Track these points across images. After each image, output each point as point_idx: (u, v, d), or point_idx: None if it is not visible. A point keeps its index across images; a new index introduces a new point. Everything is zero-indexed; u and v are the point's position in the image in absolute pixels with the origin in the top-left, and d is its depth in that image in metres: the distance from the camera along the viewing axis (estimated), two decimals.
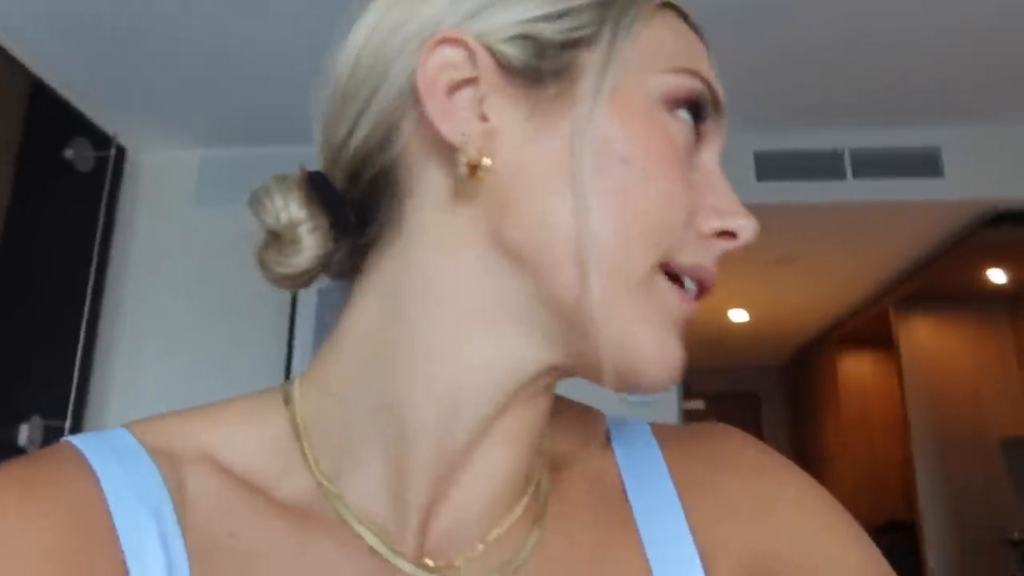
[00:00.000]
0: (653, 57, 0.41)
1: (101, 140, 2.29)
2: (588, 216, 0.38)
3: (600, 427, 0.50)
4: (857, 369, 4.58)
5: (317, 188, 0.44)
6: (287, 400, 0.44)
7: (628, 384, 0.40)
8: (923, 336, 3.76)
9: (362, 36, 0.43)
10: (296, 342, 2.35)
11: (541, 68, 0.40)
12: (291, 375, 0.46)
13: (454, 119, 0.39)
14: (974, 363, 3.69)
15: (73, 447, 0.38)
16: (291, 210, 0.43)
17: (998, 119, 2.42)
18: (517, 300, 0.40)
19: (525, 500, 0.44)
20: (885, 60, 2.14)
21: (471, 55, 0.40)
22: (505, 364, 0.40)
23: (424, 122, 0.40)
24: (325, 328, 2.36)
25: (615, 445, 0.49)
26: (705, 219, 0.41)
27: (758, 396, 5.83)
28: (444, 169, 0.40)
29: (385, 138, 0.41)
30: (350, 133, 0.43)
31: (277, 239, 0.43)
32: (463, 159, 0.38)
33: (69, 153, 2.16)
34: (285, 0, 1.87)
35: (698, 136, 0.43)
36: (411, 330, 0.40)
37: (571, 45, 0.40)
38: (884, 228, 2.87)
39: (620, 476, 0.47)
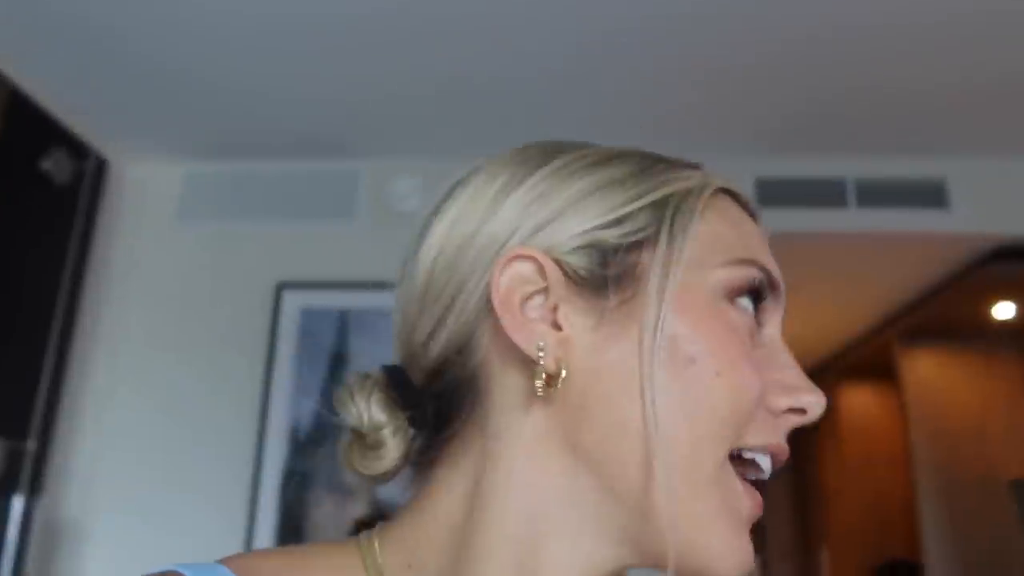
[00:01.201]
0: (711, 251, 0.43)
1: (80, 151, 2.23)
2: (659, 418, 0.40)
3: None
4: (859, 402, 4.48)
5: (396, 386, 0.47)
6: (363, 556, 0.45)
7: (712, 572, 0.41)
8: (928, 370, 3.67)
9: (435, 249, 0.46)
10: (276, 362, 2.27)
11: (606, 275, 0.42)
12: (364, 533, 0.47)
13: (529, 331, 0.42)
14: (981, 400, 3.59)
15: (179, 575, 0.40)
16: (373, 413, 0.47)
17: (1006, 151, 2.35)
18: (592, 500, 0.42)
19: None
20: (891, 88, 2.07)
21: (540, 269, 0.43)
22: (578, 564, 0.42)
23: (500, 332, 0.42)
24: (306, 348, 2.28)
25: None
26: (773, 397, 0.43)
27: None
28: (522, 375, 0.43)
29: (464, 345, 0.44)
30: (429, 339, 0.45)
31: (361, 439, 0.47)
32: (541, 370, 0.41)
33: (46, 164, 2.10)
34: (273, 16, 1.81)
35: (757, 314, 0.45)
36: (488, 524, 0.42)
37: (632, 248, 0.43)
38: (888, 259, 2.79)
39: None
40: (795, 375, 0.44)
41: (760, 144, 2.35)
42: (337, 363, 2.28)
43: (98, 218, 2.34)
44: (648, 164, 0.47)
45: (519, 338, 0.41)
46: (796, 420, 0.43)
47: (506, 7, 1.79)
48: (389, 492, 2.11)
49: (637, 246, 0.43)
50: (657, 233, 0.43)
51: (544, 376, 0.41)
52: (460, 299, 0.44)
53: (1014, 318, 3.31)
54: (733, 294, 0.43)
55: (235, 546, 2.10)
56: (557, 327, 0.42)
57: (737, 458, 0.43)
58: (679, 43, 1.90)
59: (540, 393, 0.41)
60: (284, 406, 2.24)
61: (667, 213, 0.43)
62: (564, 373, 0.41)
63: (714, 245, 0.44)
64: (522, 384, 0.43)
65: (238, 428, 2.23)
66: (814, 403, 0.43)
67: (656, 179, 0.45)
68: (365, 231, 2.41)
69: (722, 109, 2.18)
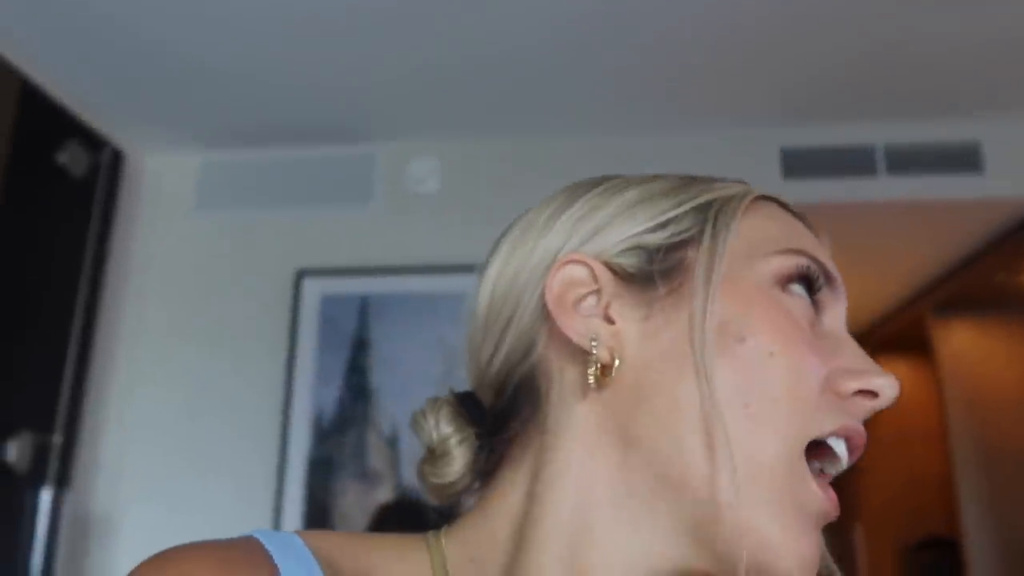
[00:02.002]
0: (757, 244, 0.45)
1: (95, 144, 2.22)
2: (715, 399, 0.40)
3: None
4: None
5: (464, 405, 0.51)
6: (430, 549, 0.47)
7: (771, 571, 0.40)
8: (963, 342, 3.58)
9: (495, 273, 0.49)
10: (298, 349, 2.26)
11: (653, 271, 0.44)
12: (432, 531, 0.48)
13: (583, 326, 0.44)
14: (1019, 370, 3.50)
15: (258, 541, 0.43)
16: (441, 427, 0.50)
17: None
18: (648, 491, 0.42)
19: None
20: (921, 47, 1.99)
21: (591, 272, 0.45)
22: (633, 558, 0.42)
23: (556, 333, 0.45)
24: (328, 334, 2.26)
25: None
26: (842, 381, 0.42)
27: None
28: (578, 370, 0.44)
29: (525, 353, 0.47)
30: (493, 355, 0.48)
31: (432, 454, 0.50)
32: (594, 360, 0.43)
33: (62, 158, 2.09)
34: (285, 2, 1.78)
35: (815, 306, 0.45)
36: (544, 516, 0.43)
37: (678, 246, 0.45)
38: (920, 228, 2.71)
39: None
40: (863, 360, 0.44)
41: (784, 113, 2.28)
42: (359, 349, 2.26)
43: (115, 210, 2.33)
44: (691, 179, 0.49)
45: (573, 333, 0.44)
46: (869, 405, 0.43)
47: None
48: (411, 479, 2.10)
49: (683, 244, 0.45)
50: (701, 232, 0.45)
51: (599, 366, 0.42)
52: (518, 312, 0.47)
53: None
54: (784, 281, 0.44)
55: None
56: (610, 321, 0.44)
57: (811, 447, 0.42)
58: (695, 8, 1.84)
59: (592, 383, 0.42)
60: (307, 393, 2.23)
61: (710, 214, 0.45)
62: (617, 362, 0.43)
63: (760, 239, 0.45)
64: (578, 379, 0.44)
65: (262, 416, 2.23)
66: (885, 385, 0.42)
67: (698, 188, 0.47)
68: (383, 215, 2.38)
69: (742, 77, 2.12)
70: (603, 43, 1.97)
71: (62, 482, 2.05)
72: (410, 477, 2.14)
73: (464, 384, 0.52)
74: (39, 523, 1.95)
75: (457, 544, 0.47)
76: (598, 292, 0.45)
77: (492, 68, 2.06)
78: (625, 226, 0.46)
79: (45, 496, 1.97)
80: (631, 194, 0.47)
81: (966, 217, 2.62)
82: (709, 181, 0.49)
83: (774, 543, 0.39)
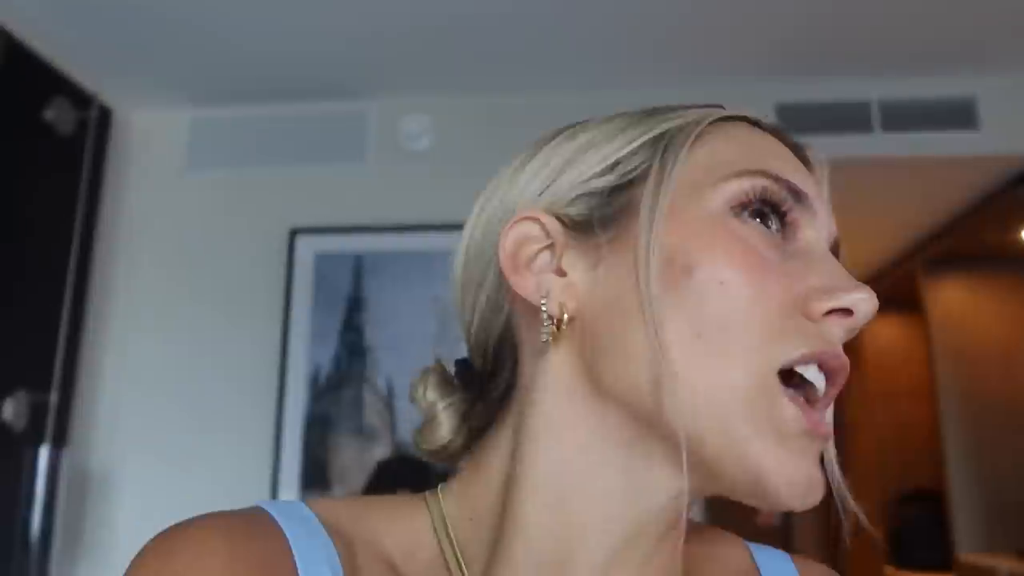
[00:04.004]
0: (711, 169, 0.43)
1: (83, 100, 2.18)
2: (660, 338, 0.39)
3: (744, 555, 0.52)
4: (883, 333, 4.44)
5: (458, 371, 0.52)
6: (430, 509, 0.47)
7: (764, 504, 0.40)
8: (953, 299, 3.61)
9: (467, 233, 0.49)
10: (293, 308, 2.26)
11: (599, 216, 0.44)
12: (430, 490, 0.49)
13: (535, 282, 0.44)
14: (1007, 327, 3.54)
15: (264, 510, 0.43)
16: (428, 395, 0.51)
17: None
18: (624, 432, 0.42)
19: None
20: (918, 5, 1.97)
21: (542, 225, 0.45)
22: (616, 498, 0.42)
23: (517, 292, 0.44)
24: (322, 292, 2.26)
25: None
26: (813, 302, 0.40)
27: None
28: (539, 327, 0.44)
29: (495, 312, 0.47)
30: (472, 316, 0.48)
31: (423, 421, 0.51)
32: (544, 316, 0.43)
33: (49, 114, 2.06)
34: None
35: (788, 228, 0.43)
36: (528, 468, 0.44)
37: (624, 188, 0.44)
38: (914, 184, 2.71)
39: None
40: (836, 276, 0.41)
41: (780, 68, 2.26)
42: (354, 307, 2.26)
43: (104, 168, 2.31)
44: (652, 111, 0.47)
45: (524, 291, 0.44)
46: (845, 323, 0.41)
47: None
48: (407, 436, 2.12)
49: (631, 184, 0.44)
50: (649, 168, 0.43)
51: (552, 320, 0.43)
52: (487, 273, 0.47)
53: None
54: (738, 207, 0.42)
55: (262, 491, 2.13)
56: (562, 274, 0.44)
57: (787, 376, 0.40)
58: None
59: (545, 338, 0.43)
60: (303, 351, 2.23)
61: (660, 146, 0.44)
62: (566, 316, 0.43)
63: (716, 164, 0.43)
64: (540, 337, 0.44)
65: (259, 374, 2.24)
66: (859, 300, 0.40)
67: (656, 120, 0.46)
68: (376, 173, 2.36)
69: (737, 31, 2.09)
70: (595, 4, 1.94)
71: (59, 440, 2.06)
72: (406, 434, 2.16)
73: (456, 340, 0.53)
74: (37, 481, 1.96)
75: (454, 503, 0.48)
76: (552, 246, 0.44)
77: (484, 24, 2.03)
78: (575, 172, 0.45)
79: (43, 454, 1.99)
80: (583, 138, 0.46)
81: (960, 173, 2.62)
82: (671, 110, 0.47)
83: (758, 467, 0.38)
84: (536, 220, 0.45)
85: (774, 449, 0.38)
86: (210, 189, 2.39)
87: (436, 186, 2.29)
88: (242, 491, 2.14)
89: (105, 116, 2.29)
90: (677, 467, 0.40)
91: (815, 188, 0.45)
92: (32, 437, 1.98)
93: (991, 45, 2.15)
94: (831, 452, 0.45)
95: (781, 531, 3.98)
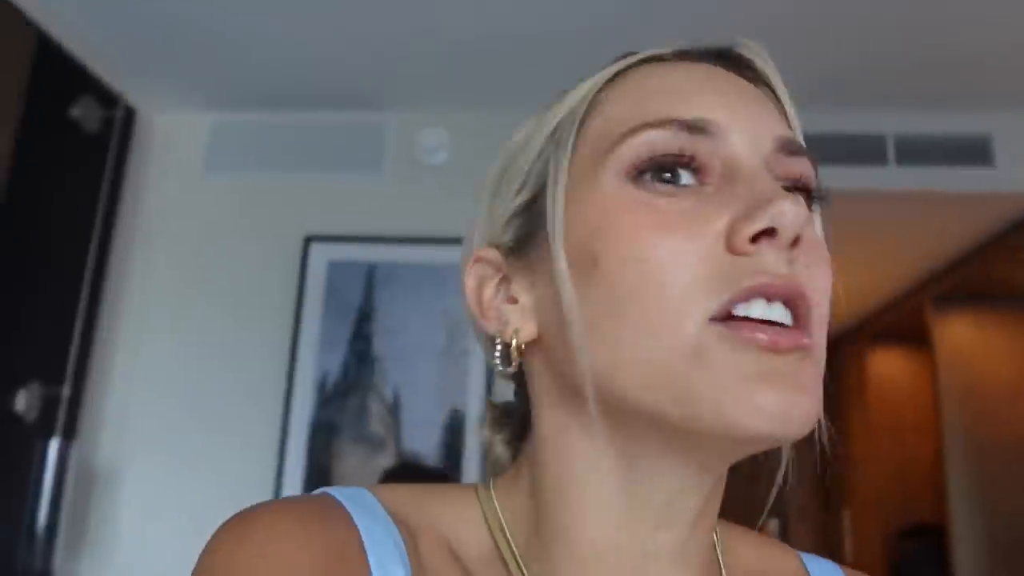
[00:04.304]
0: (601, 142, 0.42)
1: (109, 99, 2.22)
2: (596, 330, 0.39)
3: (797, 566, 0.52)
4: (889, 366, 4.42)
5: (505, 407, 0.54)
6: (480, 498, 0.48)
7: (748, 445, 0.39)
8: (961, 335, 3.60)
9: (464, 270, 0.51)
10: (304, 314, 2.28)
11: (524, 235, 0.45)
12: (480, 484, 0.51)
13: (495, 316, 0.46)
14: (1015, 365, 3.53)
15: (332, 496, 0.44)
16: (484, 432, 0.54)
17: None
18: (616, 431, 0.42)
19: None
20: (935, 38, 1.99)
21: (489, 261, 0.47)
22: (631, 495, 0.42)
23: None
24: (333, 300, 2.29)
25: None
26: (735, 235, 0.37)
27: None
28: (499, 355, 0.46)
29: (492, 346, 0.48)
30: (485, 351, 0.50)
31: (487, 450, 0.54)
32: (499, 346, 0.45)
33: (75, 112, 2.09)
34: None
35: (701, 163, 0.40)
36: (542, 474, 0.45)
37: (536, 199, 0.44)
38: (927, 219, 2.72)
39: None
40: (756, 193, 0.38)
41: (795, 98, 2.28)
42: (364, 316, 2.28)
43: (127, 166, 2.34)
44: (548, 105, 0.47)
45: (487, 327, 0.46)
46: (775, 245, 0.37)
47: None
48: (411, 445, 2.13)
49: (541, 191, 0.44)
50: (547, 169, 0.44)
51: (505, 347, 0.45)
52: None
53: None
54: (633, 171, 0.40)
55: (265, 495, 2.14)
56: (514, 301, 0.46)
57: (739, 322, 0.38)
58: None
59: (500, 367, 0.46)
60: (311, 357, 2.25)
61: (554, 142, 0.44)
62: (515, 341, 0.44)
63: (605, 134, 0.42)
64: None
65: (267, 378, 2.25)
66: (780, 213, 0.36)
67: (550, 114, 0.45)
68: (392, 184, 2.39)
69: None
70: (616, 23, 1.97)
71: (69, 434, 2.08)
72: (410, 442, 2.17)
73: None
74: (46, 473, 1.98)
75: (501, 499, 0.48)
76: (504, 277, 0.46)
77: (505, 42, 2.06)
78: (499, 201, 0.48)
79: (53, 446, 2.00)
80: (501, 161, 0.49)
81: (973, 210, 2.63)
82: (565, 93, 0.46)
83: (720, 413, 0.36)
84: (481, 260, 0.47)
85: (732, 387, 0.36)
86: (228, 193, 2.42)
87: (451, 200, 2.31)
88: (246, 494, 2.15)
89: (130, 116, 2.33)
90: (678, 456, 0.40)
91: (736, 98, 0.42)
92: (43, 429, 2.00)
93: (1008, 83, 2.17)
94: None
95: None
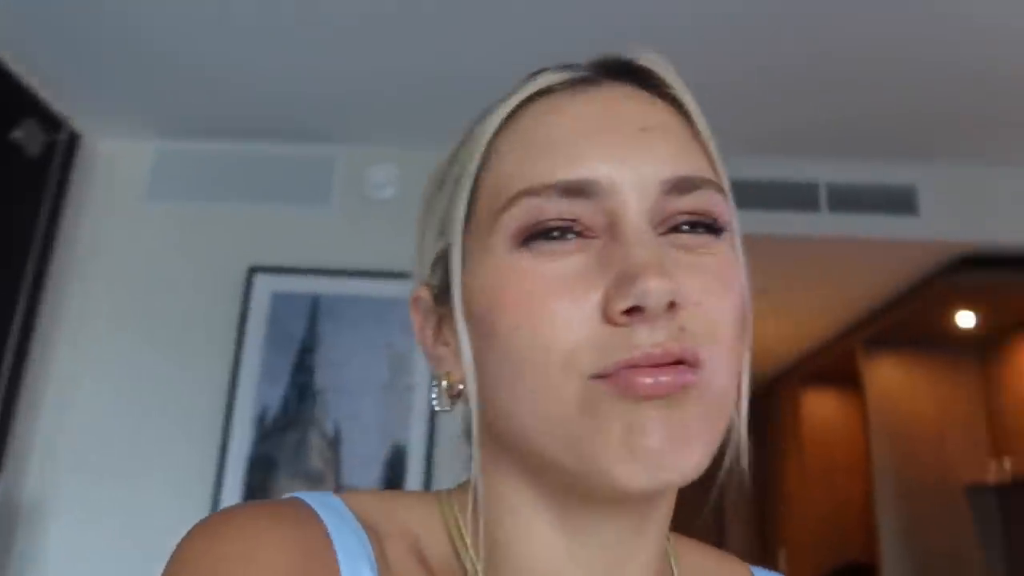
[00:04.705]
0: (492, 203, 0.42)
1: (52, 123, 2.18)
2: (495, 392, 0.41)
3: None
4: (821, 407, 4.54)
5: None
6: (442, 507, 0.48)
7: (624, 494, 0.39)
8: (890, 377, 3.73)
9: None
10: (245, 346, 2.25)
11: (446, 283, 0.45)
12: (444, 491, 0.50)
13: (437, 357, 0.47)
14: (940, 407, 3.67)
15: (302, 500, 0.43)
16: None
17: (974, 160, 2.40)
18: (515, 468, 0.44)
19: None
20: (865, 95, 2.10)
21: (425, 302, 0.47)
22: (567, 544, 0.44)
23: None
24: (275, 333, 2.26)
25: None
26: (610, 306, 0.38)
27: None
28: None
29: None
30: None
31: None
32: (438, 388, 0.46)
33: (17, 135, 2.05)
34: (249, 2, 1.79)
35: (583, 226, 0.40)
36: (484, 498, 0.46)
37: (448, 250, 0.45)
38: (857, 264, 2.84)
39: None
40: (627, 266, 0.38)
41: (733, 147, 2.36)
42: (307, 349, 2.26)
43: (68, 192, 2.30)
44: (460, 144, 0.48)
45: (432, 366, 0.47)
46: (649, 319, 0.38)
47: (484, 2, 1.79)
48: (351, 480, 2.11)
49: (451, 246, 0.45)
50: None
51: (443, 390, 0.46)
52: None
53: (975, 327, 3.39)
54: (521, 237, 0.41)
55: None
56: (446, 343, 0.46)
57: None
58: (658, 49, 1.91)
59: (437, 407, 0.46)
60: (252, 390, 2.22)
61: (454, 192, 0.45)
62: (445, 384, 0.46)
63: (496, 193, 0.42)
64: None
65: (205, 412, 2.21)
66: (645, 293, 0.37)
67: (456, 158, 0.47)
68: (339, 218, 2.39)
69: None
70: (560, 59, 2.02)
71: None
72: (351, 477, 2.15)
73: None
74: None
75: (460, 507, 0.48)
76: (440, 318, 0.47)
77: (457, 81, 2.10)
78: (425, 242, 0.48)
79: None
80: (424, 199, 0.49)
81: (900, 256, 2.75)
82: (473, 126, 0.47)
83: (615, 469, 0.38)
84: (419, 299, 0.48)
85: (612, 441, 0.38)
86: (171, 221, 2.39)
87: (398, 235, 2.30)
88: (180, 531, 2.08)
89: (73, 141, 2.29)
90: (597, 502, 0.42)
91: (625, 144, 0.42)
92: None
93: (932, 137, 2.30)
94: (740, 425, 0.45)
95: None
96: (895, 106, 2.15)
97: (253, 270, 2.31)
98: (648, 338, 0.38)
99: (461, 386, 0.45)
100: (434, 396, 0.46)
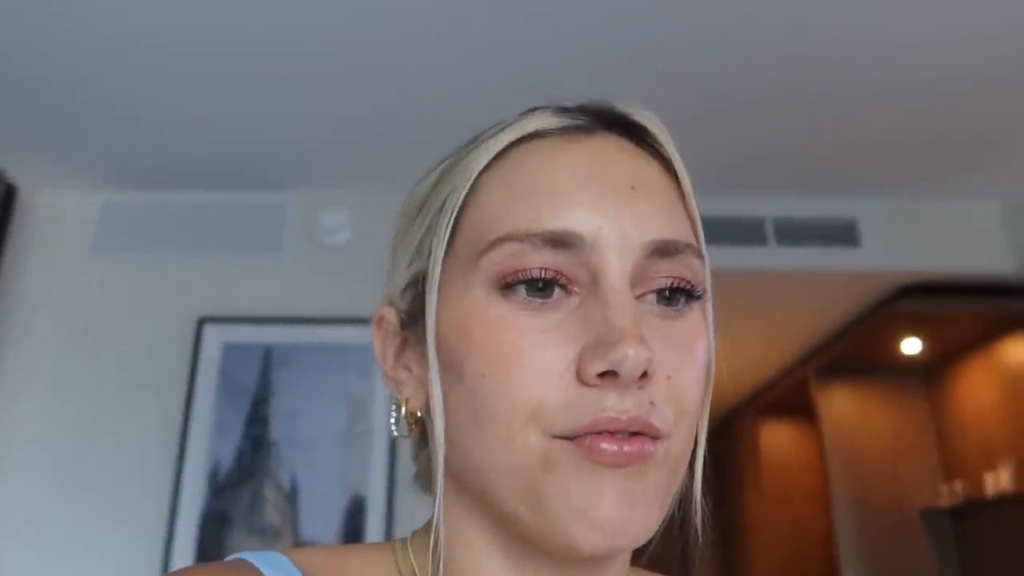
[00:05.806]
0: (475, 241, 0.42)
1: None
2: (456, 433, 0.41)
3: None
4: (779, 438, 4.60)
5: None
6: (396, 556, 0.47)
7: (585, 558, 0.40)
8: (842, 406, 3.80)
9: None
10: (196, 397, 2.19)
11: (416, 309, 0.44)
12: (398, 539, 0.49)
13: (397, 381, 0.46)
14: (892, 433, 3.74)
15: (247, 561, 0.43)
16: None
17: (911, 193, 2.49)
18: (470, 507, 0.44)
19: None
20: (808, 133, 2.17)
21: (390, 323, 0.47)
22: (483, 558, 0.43)
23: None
24: (227, 384, 2.21)
25: None
26: (584, 367, 0.38)
27: None
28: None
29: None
30: None
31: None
32: (397, 414, 0.46)
33: None
34: (195, 46, 1.78)
35: (566, 278, 0.40)
36: (444, 537, 0.44)
37: (422, 278, 0.44)
38: (805, 296, 2.90)
39: None
40: (605, 329, 0.38)
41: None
42: (260, 399, 2.21)
43: (4, 246, 2.23)
44: (447, 166, 0.47)
45: (391, 388, 0.46)
46: (622, 385, 0.38)
47: (432, 43, 1.81)
48: (310, 534, 2.05)
49: (427, 273, 0.44)
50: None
51: (404, 417, 0.45)
52: None
53: (920, 353, 3.47)
54: (501, 282, 0.40)
55: None
56: (409, 368, 0.46)
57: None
58: (603, 85, 1.95)
59: (396, 432, 0.46)
60: (203, 444, 2.15)
61: (436, 224, 0.44)
62: (404, 410, 0.45)
63: (479, 232, 0.42)
64: None
65: (155, 467, 2.13)
66: (623, 359, 0.37)
67: (439, 187, 0.46)
68: (292, 265, 2.36)
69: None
70: (510, 109, 2.05)
71: None
72: (309, 531, 2.09)
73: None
74: None
75: (417, 554, 0.47)
76: (404, 341, 0.46)
77: (406, 123, 2.11)
78: (397, 264, 0.47)
79: None
80: (401, 219, 0.48)
81: (845, 287, 2.82)
82: (454, 162, 0.46)
83: (572, 532, 0.38)
84: (384, 319, 0.47)
85: (571, 506, 0.38)
86: (117, 273, 2.33)
87: (351, 281, 2.29)
88: None
89: (10, 194, 2.23)
90: (564, 559, 0.41)
91: (612, 199, 0.41)
92: None
93: (870, 173, 2.38)
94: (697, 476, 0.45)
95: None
96: (836, 143, 2.22)
97: (203, 320, 2.26)
98: (618, 404, 0.38)
99: (419, 413, 0.45)
100: (392, 421, 0.45)
